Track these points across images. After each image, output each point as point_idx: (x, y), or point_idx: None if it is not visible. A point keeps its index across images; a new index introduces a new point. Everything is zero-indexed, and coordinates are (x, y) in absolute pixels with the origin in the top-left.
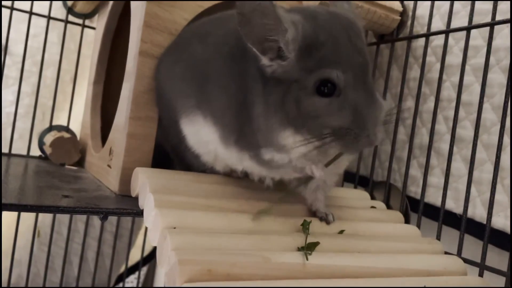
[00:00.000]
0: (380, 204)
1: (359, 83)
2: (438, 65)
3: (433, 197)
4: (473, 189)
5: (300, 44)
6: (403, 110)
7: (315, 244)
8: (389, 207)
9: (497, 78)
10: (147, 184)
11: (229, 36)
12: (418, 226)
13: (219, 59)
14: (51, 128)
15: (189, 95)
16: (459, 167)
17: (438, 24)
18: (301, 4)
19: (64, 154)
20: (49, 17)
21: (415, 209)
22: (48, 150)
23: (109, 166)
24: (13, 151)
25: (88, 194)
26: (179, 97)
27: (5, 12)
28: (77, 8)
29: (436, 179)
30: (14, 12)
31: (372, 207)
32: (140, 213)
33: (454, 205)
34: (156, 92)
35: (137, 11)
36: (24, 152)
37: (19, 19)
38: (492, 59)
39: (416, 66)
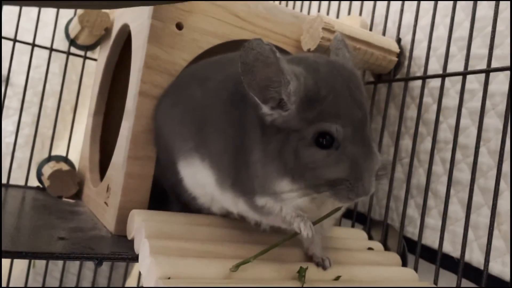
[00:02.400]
0: (378, 245)
1: (357, 137)
2: (434, 106)
3: (431, 239)
4: (470, 233)
5: (301, 96)
6: (400, 149)
7: None
8: (386, 247)
9: (493, 122)
10: (142, 228)
11: (228, 82)
12: (416, 269)
13: (218, 103)
14: (50, 158)
15: (187, 138)
16: (456, 209)
17: (435, 65)
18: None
19: (62, 186)
20: (51, 49)
21: (413, 250)
22: (46, 182)
23: (106, 203)
24: (11, 181)
25: (83, 234)
26: (178, 139)
27: (8, 44)
28: (80, 40)
29: (433, 220)
30: (17, 43)
31: (370, 248)
32: (135, 258)
33: (451, 248)
34: (155, 133)
35: (138, 51)
36: (22, 182)
37: (22, 51)
38: (488, 103)
39: (413, 105)
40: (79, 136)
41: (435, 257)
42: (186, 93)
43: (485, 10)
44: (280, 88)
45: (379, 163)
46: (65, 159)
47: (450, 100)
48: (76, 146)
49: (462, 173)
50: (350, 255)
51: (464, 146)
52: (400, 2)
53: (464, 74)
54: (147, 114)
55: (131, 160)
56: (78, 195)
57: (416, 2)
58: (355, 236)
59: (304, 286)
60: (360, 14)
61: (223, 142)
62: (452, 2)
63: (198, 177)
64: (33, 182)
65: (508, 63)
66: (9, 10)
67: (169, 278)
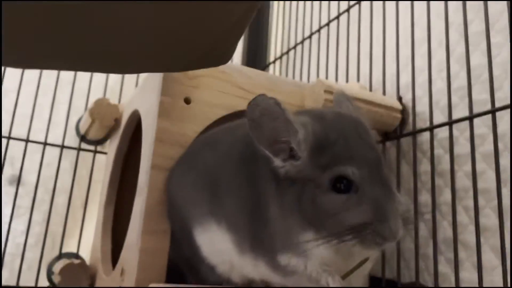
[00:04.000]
0: None
1: (375, 177)
2: (447, 157)
3: None
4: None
5: (311, 143)
6: (419, 205)
7: None
8: None
9: (509, 163)
10: None
11: (238, 143)
12: None
13: (229, 164)
14: (60, 256)
15: (201, 203)
16: (490, 258)
17: (439, 118)
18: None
19: (74, 281)
20: (62, 146)
21: None
22: (57, 278)
23: None
24: (20, 283)
25: None
26: (191, 205)
27: (20, 144)
28: (90, 134)
29: (468, 274)
30: (29, 143)
31: None
32: None
33: None
34: (168, 204)
35: (149, 129)
36: (32, 284)
37: (33, 150)
38: (500, 145)
39: (424, 160)
40: (89, 233)
41: None
42: (197, 159)
43: (478, 58)
44: (289, 139)
45: (402, 204)
46: (76, 256)
47: (461, 147)
48: (87, 243)
49: (489, 219)
50: None
51: (485, 190)
52: (395, 64)
53: (470, 118)
54: (160, 186)
55: (145, 235)
56: None
57: (411, 62)
58: None
59: None
60: (358, 80)
61: (238, 202)
62: (445, 55)
63: (215, 242)
64: (43, 283)
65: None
66: (22, 113)
67: None
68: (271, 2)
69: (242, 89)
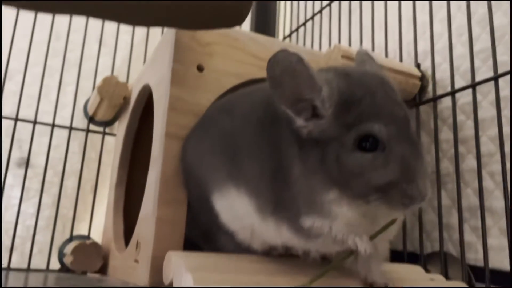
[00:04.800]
0: (439, 277)
1: (403, 136)
2: (468, 123)
3: (498, 261)
4: None
5: (336, 100)
6: (441, 174)
7: None
8: (448, 279)
9: None
10: (182, 264)
11: (257, 105)
12: None
13: (248, 128)
14: (71, 238)
15: (219, 168)
16: None
17: (461, 83)
18: None
19: (86, 261)
20: (71, 128)
21: (478, 277)
22: (69, 259)
23: (136, 261)
24: (31, 266)
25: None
26: (209, 172)
27: (28, 126)
28: (98, 115)
29: (495, 240)
30: (37, 125)
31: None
32: None
33: None
34: (184, 173)
35: (161, 99)
36: (43, 267)
37: (41, 132)
38: None
39: (445, 128)
40: (99, 217)
41: (506, 280)
42: (214, 125)
43: (500, 19)
44: (313, 96)
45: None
46: (87, 238)
47: (485, 111)
48: (97, 226)
49: None
50: (412, 283)
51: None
52: (412, 32)
53: (495, 78)
54: (174, 155)
55: (162, 205)
56: (103, 271)
57: (428, 30)
58: (410, 271)
59: None
60: (373, 50)
61: (258, 166)
62: (465, 18)
63: (235, 208)
64: (55, 265)
65: None
66: (29, 95)
67: None
68: None
69: (256, 57)
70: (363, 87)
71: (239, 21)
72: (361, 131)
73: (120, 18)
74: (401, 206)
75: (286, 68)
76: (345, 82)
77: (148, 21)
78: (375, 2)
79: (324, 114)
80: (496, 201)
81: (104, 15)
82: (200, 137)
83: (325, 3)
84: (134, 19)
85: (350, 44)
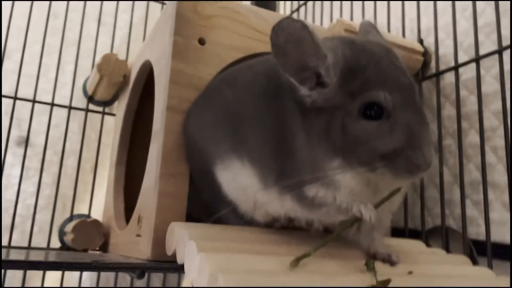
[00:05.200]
0: (440, 251)
1: (408, 103)
2: (471, 98)
3: (499, 235)
4: None
5: (341, 68)
6: (444, 149)
7: (387, 281)
8: (449, 253)
9: None
10: (185, 234)
11: (259, 77)
12: (490, 267)
13: (251, 99)
14: (71, 218)
15: (222, 140)
16: None
17: (464, 58)
18: None
19: (86, 238)
20: (70, 107)
21: (480, 251)
22: (69, 237)
23: (138, 235)
24: (32, 245)
25: (117, 260)
26: (212, 143)
27: (27, 105)
28: (98, 95)
29: (497, 214)
30: (36, 104)
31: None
32: (180, 268)
33: None
34: (186, 146)
35: (162, 73)
36: (44, 246)
37: (40, 111)
38: None
39: (447, 104)
40: (99, 198)
41: (508, 253)
42: (216, 97)
43: None
44: (317, 64)
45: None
46: (88, 217)
47: (488, 86)
48: (97, 206)
49: None
50: (415, 256)
51: None
52: (416, 7)
53: (499, 51)
54: (176, 129)
55: (163, 178)
56: (104, 249)
57: (431, 6)
58: (412, 245)
59: (378, 279)
60: None
61: (262, 136)
62: None
63: (238, 179)
64: (55, 244)
65: None
66: (28, 74)
67: None
68: None
69: (258, 31)
70: (368, 55)
71: None
72: (366, 99)
73: None
74: (407, 174)
75: (291, 35)
76: (350, 50)
77: None
78: None
79: (329, 82)
80: (498, 175)
81: None
82: (202, 109)
83: None
84: None
85: (352, 15)
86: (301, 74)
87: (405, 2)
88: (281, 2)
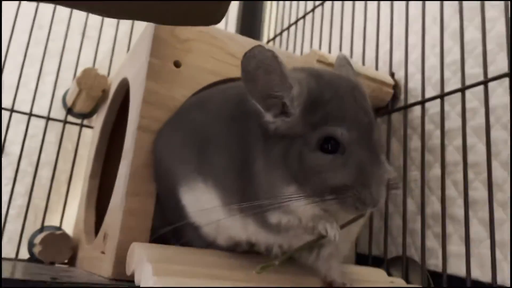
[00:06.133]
0: (399, 281)
1: (364, 142)
2: (437, 132)
3: (456, 267)
4: (497, 253)
5: (305, 100)
6: (409, 180)
7: None
8: (408, 283)
9: (501, 135)
10: (144, 256)
11: (228, 101)
12: None
13: (218, 121)
14: (42, 229)
15: (188, 161)
16: (478, 230)
17: (431, 93)
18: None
19: (54, 251)
20: (48, 118)
21: (438, 283)
22: (38, 248)
23: (103, 252)
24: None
25: (78, 279)
26: (179, 164)
27: (5, 114)
28: (77, 107)
29: (455, 247)
30: (14, 113)
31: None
32: None
33: (480, 273)
34: (154, 166)
35: (137, 92)
36: (12, 256)
37: (18, 120)
38: (491, 118)
39: (415, 136)
40: (73, 209)
41: (464, 286)
42: (185, 119)
43: (472, 33)
44: (283, 94)
45: (389, 173)
46: (58, 229)
47: (452, 122)
48: (70, 218)
49: (478, 192)
50: (373, 285)
51: (475, 164)
52: (389, 41)
53: (462, 90)
54: (146, 148)
55: (130, 197)
56: (71, 263)
57: (403, 40)
58: (373, 274)
59: None
60: (351, 58)
61: (226, 159)
62: (439, 30)
63: (202, 201)
64: (24, 255)
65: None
66: (8, 83)
67: None
68: None
69: (234, 57)
70: (332, 89)
71: (216, 20)
72: (324, 133)
73: (94, 9)
74: (354, 210)
75: (261, 62)
76: (316, 83)
77: (122, 14)
78: (355, 11)
79: (292, 112)
80: (458, 209)
81: (78, 6)
82: (171, 130)
83: (309, 7)
84: (108, 11)
85: (330, 50)
86: (267, 101)
87: (380, 35)
88: (265, 28)
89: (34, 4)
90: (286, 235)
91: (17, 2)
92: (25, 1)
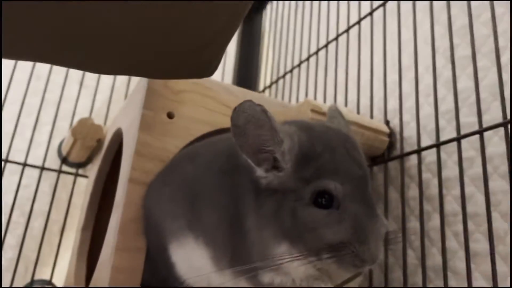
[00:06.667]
0: None
1: (358, 195)
2: (435, 181)
3: None
4: None
5: (296, 154)
6: (408, 231)
7: None
8: None
9: (499, 185)
10: None
11: (219, 155)
12: None
13: (209, 177)
14: (32, 283)
15: (178, 217)
16: (481, 284)
17: (427, 142)
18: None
19: None
20: (42, 168)
21: None
22: None
23: None
24: None
25: None
26: (168, 219)
27: None
28: (72, 156)
29: None
30: (8, 164)
31: None
32: None
33: None
34: (144, 219)
35: (129, 141)
36: None
37: (12, 171)
38: (489, 167)
39: (413, 185)
40: (65, 261)
41: None
42: (176, 172)
43: (465, 82)
44: (274, 148)
45: (386, 227)
46: (49, 283)
47: (450, 170)
48: (62, 271)
49: (479, 244)
50: None
51: (474, 214)
52: (383, 89)
53: (458, 139)
54: (137, 201)
55: (119, 252)
56: None
57: (398, 87)
58: None
59: None
60: (346, 106)
61: (216, 215)
62: (432, 79)
63: (192, 259)
64: None
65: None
66: (4, 132)
67: None
68: (262, 32)
69: (228, 107)
70: (323, 143)
71: (208, 73)
72: (318, 187)
73: (85, 66)
74: (352, 267)
75: (250, 117)
76: (306, 137)
77: (114, 70)
78: (349, 60)
79: (284, 166)
80: (460, 262)
81: (68, 63)
82: (162, 183)
83: (304, 57)
84: (101, 69)
85: (325, 98)
86: (258, 156)
87: (374, 83)
88: (262, 76)
89: None
90: None
91: None
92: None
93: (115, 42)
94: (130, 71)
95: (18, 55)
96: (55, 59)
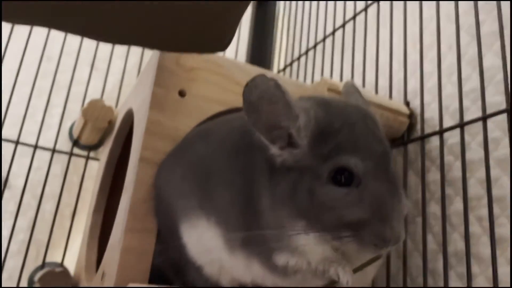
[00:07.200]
0: None
1: (380, 172)
2: (457, 164)
3: None
4: None
5: (313, 130)
6: (428, 216)
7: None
8: None
9: None
10: None
11: (232, 133)
12: None
13: (222, 154)
14: (43, 265)
15: (190, 196)
16: (505, 272)
17: (449, 123)
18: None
19: None
20: (53, 150)
21: None
22: (36, 286)
23: None
24: None
25: None
26: (180, 199)
27: (10, 147)
28: (83, 138)
29: None
30: (19, 146)
31: None
32: None
33: None
34: (155, 199)
35: (140, 120)
36: None
37: (23, 153)
38: None
39: (433, 168)
40: (76, 243)
41: None
42: (188, 151)
43: (491, 60)
44: (289, 124)
45: (407, 207)
46: (60, 266)
47: (473, 153)
48: (73, 253)
49: (504, 229)
50: None
51: (500, 198)
52: (403, 70)
53: (484, 118)
54: (147, 181)
55: (129, 234)
56: None
57: (418, 68)
58: None
59: None
60: (363, 86)
61: (229, 195)
62: (455, 57)
63: (203, 239)
64: None
65: None
66: (15, 114)
67: None
68: (276, 14)
69: (240, 85)
70: (342, 118)
71: (222, 47)
72: (337, 164)
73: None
74: (372, 247)
75: (264, 93)
76: (324, 112)
77: (126, 40)
78: (367, 39)
79: (300, 143)
80: (483, 247)
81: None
82: (174, 162)
83: (319, 38)
84: (111, 36)
85: (341, 79)
86: (272, 133)
87: (394, 63)
88: (276, 59)
89: (44, 36)
90: (293, 279)
91: (27, 34)
92: (33, 31)
93: (124, 7)
94: (139, 41)
95: (18, 18)
96: (58, 23)
